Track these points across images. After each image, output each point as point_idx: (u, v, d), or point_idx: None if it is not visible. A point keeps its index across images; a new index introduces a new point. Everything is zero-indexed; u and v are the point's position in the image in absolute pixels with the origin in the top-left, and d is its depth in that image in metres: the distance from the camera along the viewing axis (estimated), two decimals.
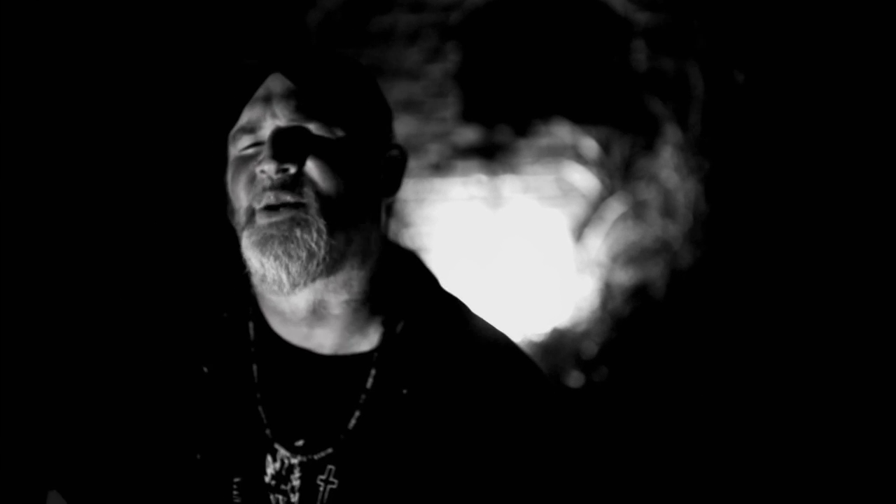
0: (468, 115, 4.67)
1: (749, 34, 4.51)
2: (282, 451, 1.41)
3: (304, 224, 1.35)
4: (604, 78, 4.64)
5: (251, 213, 1.38)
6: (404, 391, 1.40)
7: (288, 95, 1.40)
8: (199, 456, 1.43)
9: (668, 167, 4.56)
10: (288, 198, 1.36)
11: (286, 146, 1.37)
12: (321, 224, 1.36)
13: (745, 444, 3.91)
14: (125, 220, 4.04)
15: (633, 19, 4.63)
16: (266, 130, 1.40)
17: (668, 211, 4.56)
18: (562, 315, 4.56)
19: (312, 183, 1.37)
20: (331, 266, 1.38)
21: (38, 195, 3.95)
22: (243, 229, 1.38)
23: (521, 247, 4.64)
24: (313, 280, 1.36)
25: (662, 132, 4.59)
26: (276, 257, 1.34)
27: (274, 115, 1.39)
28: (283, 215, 1.35)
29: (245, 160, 1.40)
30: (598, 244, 4.60)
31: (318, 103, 1.40)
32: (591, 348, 4.41)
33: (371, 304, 1.44)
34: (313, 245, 1.35)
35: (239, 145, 1.42)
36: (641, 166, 4.60)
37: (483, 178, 4.67)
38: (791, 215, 4.42)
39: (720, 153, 4.54)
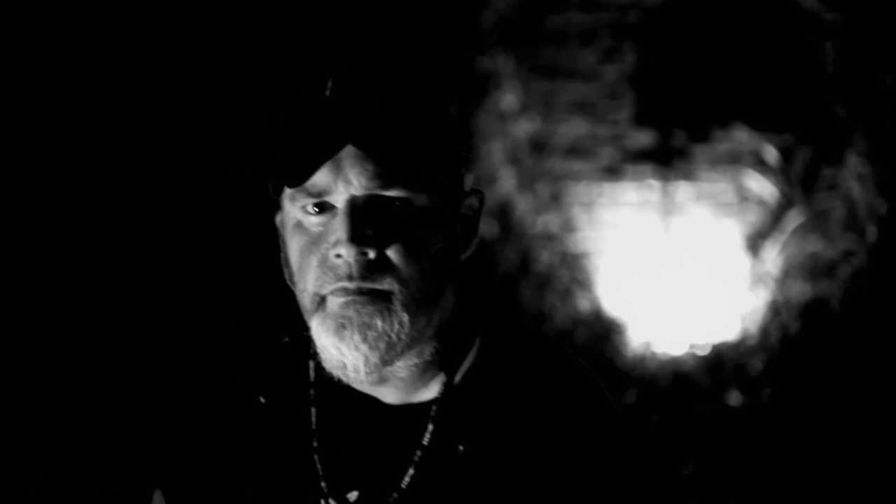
0: (642, 118, 4.55)
1: None
2: None
3: (385, 316, 1.25)
4: (789, 81, 4.43)
5: (321, 300, 1.28)
6: (460, 448, 1.30)
7: (363, 157, 1.23)
8: (250, 492, 1.37)
9: (854, 177, 4.32)
10: (368, 285, 1.25)
11: (365, 226, 1.24)
12: (404, 317, 1.26)
13: None
14: (187, 237, 4.06)
15: (823, 19, 4.40)
16: (338, 198, 1.25)
17: (851, 224, 4.32)
18: (729, 329, 4.39)
19: (395, 269, 1.25)
20: (408, 347, 1.30)
21: (102, 215, 4.02)
22: (312, 315, 1.29)
23: (693, 255, 4.49)
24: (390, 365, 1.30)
25: (849, 140, 4.35)
26: (356, 346, 1.25)
27: (347, 182, 1.24)
28: (362, 302, 1.25)
29: (313, 239, 1.27)
30: (774, 256, 4.40)
31: (399, 165, 1.24)
32: (756, 366, 4.24)
33: (439, 361, 1.34)
34: (394, 336, 1.26)
35: (300, 205, 1.28)
36: (825, 175, 4.38)
37: (655, 183, 4.54)
38: None
39: None
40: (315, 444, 1.36)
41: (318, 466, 1.35)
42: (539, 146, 4.58)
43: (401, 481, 1.31)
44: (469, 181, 1.37)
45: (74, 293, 3.88)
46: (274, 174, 1.29)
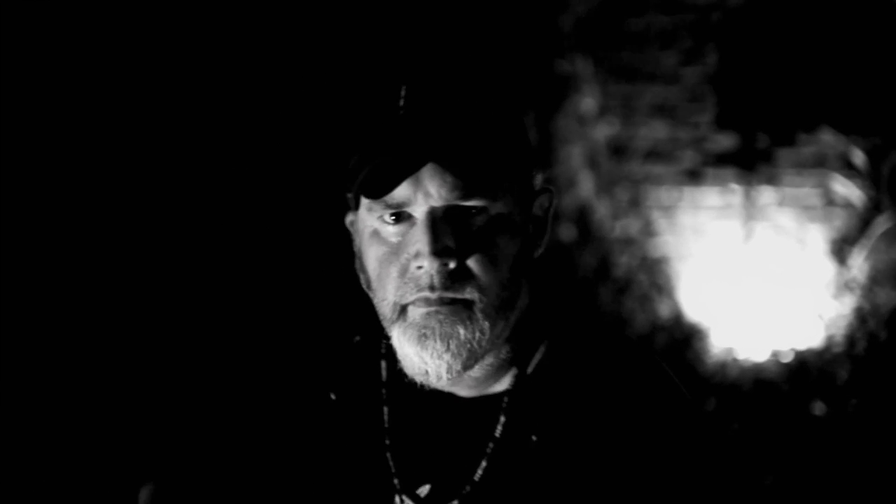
0: (724, 121, 4.47)
1: None
2: (407, 502, 1.36)
3: (468, 324, 1.27)
4: (877, 82, 4.32)
5: (402, 309, 1.29)
6: (533, 438, 1.30)
7: (443, 170, 1.24)
8: (323, 489, 1.39)
9: None
10: (450, 294, 1.26)
11: (445, 237, 1.25)
12: (485, 324, 1.27)
13: None
14: (265, 237, 4.08)
15: None
16: (417, 209, 1.26)
17: None
18: (814, 336, 4.29)
19: (475, 278, 1.26)
20: (487, 351, 1.31)
21: (183, 212, 4.05)
22: (393, 323, 1.30)
23: (776, 261, 4.39)
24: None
25: None
26: (440, 355, 1.27)
27: (427, 194, 1.25)
28: (445, 313, 1.26)
29: (392, 249, 1.29)
30: (861, 262, 4.29)
31: (477, 175, 1.25)
32: (842, 375, 4.13)
33: (511, 358, 1.36)
34: (475, 344, 1.27)
35: (377, 215, 1.29)
36: None
37: (738, 187, 4.45)
38: None
39: None
40: (387, 441, 1.38)
41: (391, 464, 1.37)
42: (618, 149, 4.53)
43: (473, 474, 1.32)
44: (539, 180, 1.38)
45: (152, 288, 3.95)
46: (354, 188, 1.29)
